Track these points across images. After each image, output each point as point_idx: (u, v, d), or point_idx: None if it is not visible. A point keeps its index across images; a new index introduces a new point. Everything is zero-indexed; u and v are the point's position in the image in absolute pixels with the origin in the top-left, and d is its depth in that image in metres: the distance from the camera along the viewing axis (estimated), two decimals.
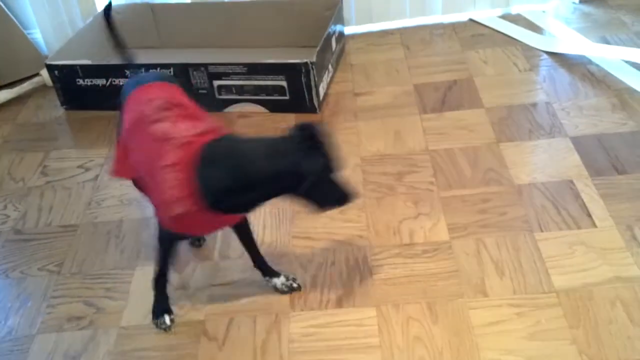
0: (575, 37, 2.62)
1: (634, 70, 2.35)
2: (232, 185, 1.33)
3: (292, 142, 1.33)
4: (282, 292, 1.65)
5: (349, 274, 1.68)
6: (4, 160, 2.32)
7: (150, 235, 1.88)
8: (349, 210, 1.87)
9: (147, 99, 1.50)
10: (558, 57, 2.49)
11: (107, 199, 2.06)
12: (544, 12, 2.84)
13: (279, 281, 1.65)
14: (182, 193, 1.33)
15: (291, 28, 2.70)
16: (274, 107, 2.37)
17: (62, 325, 1.65)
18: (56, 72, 2.49)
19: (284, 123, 2.30)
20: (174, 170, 1.34)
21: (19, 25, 2.78)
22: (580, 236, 1.70)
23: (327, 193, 1.38)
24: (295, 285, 1.65)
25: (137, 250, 1.84)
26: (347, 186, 1.39)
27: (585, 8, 2.84)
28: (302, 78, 2.26)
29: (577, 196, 1.83)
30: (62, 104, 2.56)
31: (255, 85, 2.34)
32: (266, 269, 1.67)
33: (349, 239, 1.79)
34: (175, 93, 1.54)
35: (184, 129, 1.40)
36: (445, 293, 1.59)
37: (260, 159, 1.32)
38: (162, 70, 2.28)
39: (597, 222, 1.74)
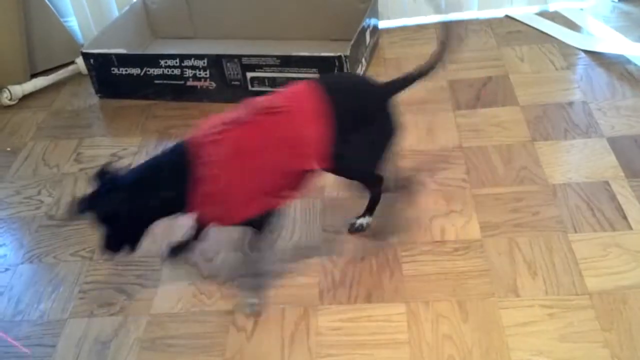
0: (614, 36, 2.57)
1: None
2: None
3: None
4: None
5: (379, 269, 1.68)
6: (39, 147, 2.35)
7: (183, 225, 1.89)
8: (379, 206, 1.86)
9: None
10: (596, 56, 2.45)
11: None
12: (582, 10, 2.79)
13: None
14: None
15: (325, 21, 2.69)
16: None
17: (93, 310, 1.67)
18: (91, 60, 2.51)
19: None
20: None
21: (55, 12, 2.81)
22: (615, 238, 1.68)
23: None
24: None
25: (167, 238, 1.85)
26: None
27: (625, 7, 2.79)
28: (336, 71, 2.26)
29: (612, 197, 1.80)
30: (97, 92, 2.59)
31: (288, 78, 2.33)
32: None
33: (379, 234, 1.78)
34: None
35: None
36: (476, 292, 1.58)
37: None
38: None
39: (632, 225, 1.71)
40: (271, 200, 1.51)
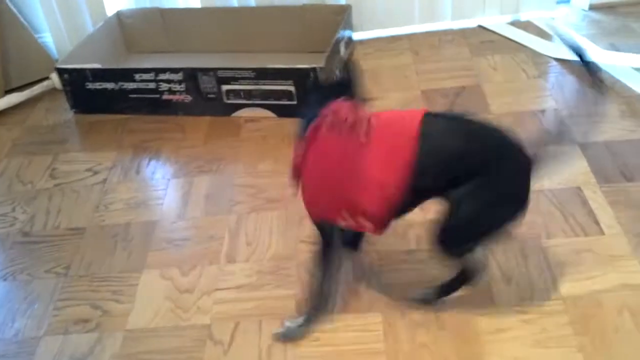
0: (585, 44, 2.61)
1: None
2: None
3: None
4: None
5: (355, 279, 1.68)
6: (13, 163, 2.33)
7: (159, 239, 1.89)
8: None
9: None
10: (567, 64, 2.49)
11: (115, 202, 2.07)
12: (553, 19, 2.84)
13: None
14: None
15: (300, 33, 2.70)
16: (282, 111, 2.37)
17: (69, 327, 1.66)
18: (66, 75, 2.50)
19: (292, 128, 2.30)
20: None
21: (29, 29, 2.80)
22: (588, 243, 1.70)
23: None
24: None
25: (144, 253, 1.85)
26: None
27: (595, 15, 2.83)
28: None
29: (584, 203, 1.82)
30: (72, 107, 2.58)
31: (263, 90, 2.34)
32: None
33: None
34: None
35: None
36: (452, 299, 1.58)
37: None
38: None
39: (605, 230, 1.73)
40: (335, 213, 1.44)
